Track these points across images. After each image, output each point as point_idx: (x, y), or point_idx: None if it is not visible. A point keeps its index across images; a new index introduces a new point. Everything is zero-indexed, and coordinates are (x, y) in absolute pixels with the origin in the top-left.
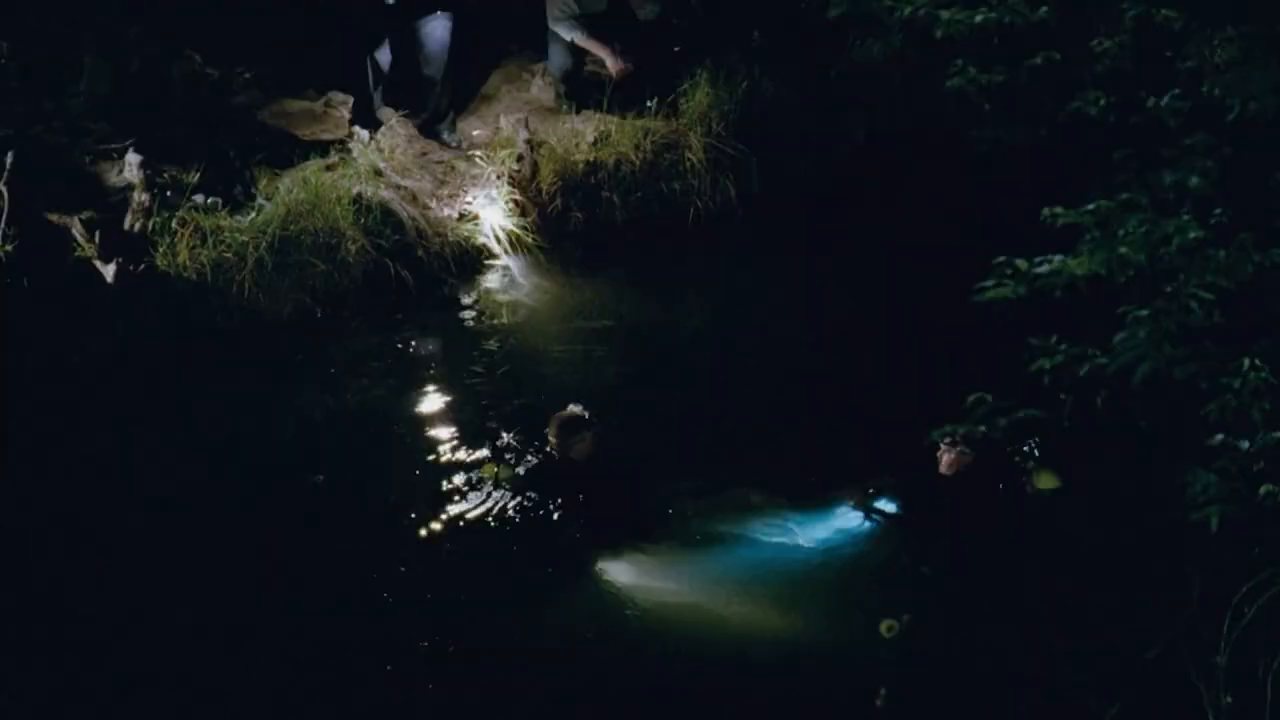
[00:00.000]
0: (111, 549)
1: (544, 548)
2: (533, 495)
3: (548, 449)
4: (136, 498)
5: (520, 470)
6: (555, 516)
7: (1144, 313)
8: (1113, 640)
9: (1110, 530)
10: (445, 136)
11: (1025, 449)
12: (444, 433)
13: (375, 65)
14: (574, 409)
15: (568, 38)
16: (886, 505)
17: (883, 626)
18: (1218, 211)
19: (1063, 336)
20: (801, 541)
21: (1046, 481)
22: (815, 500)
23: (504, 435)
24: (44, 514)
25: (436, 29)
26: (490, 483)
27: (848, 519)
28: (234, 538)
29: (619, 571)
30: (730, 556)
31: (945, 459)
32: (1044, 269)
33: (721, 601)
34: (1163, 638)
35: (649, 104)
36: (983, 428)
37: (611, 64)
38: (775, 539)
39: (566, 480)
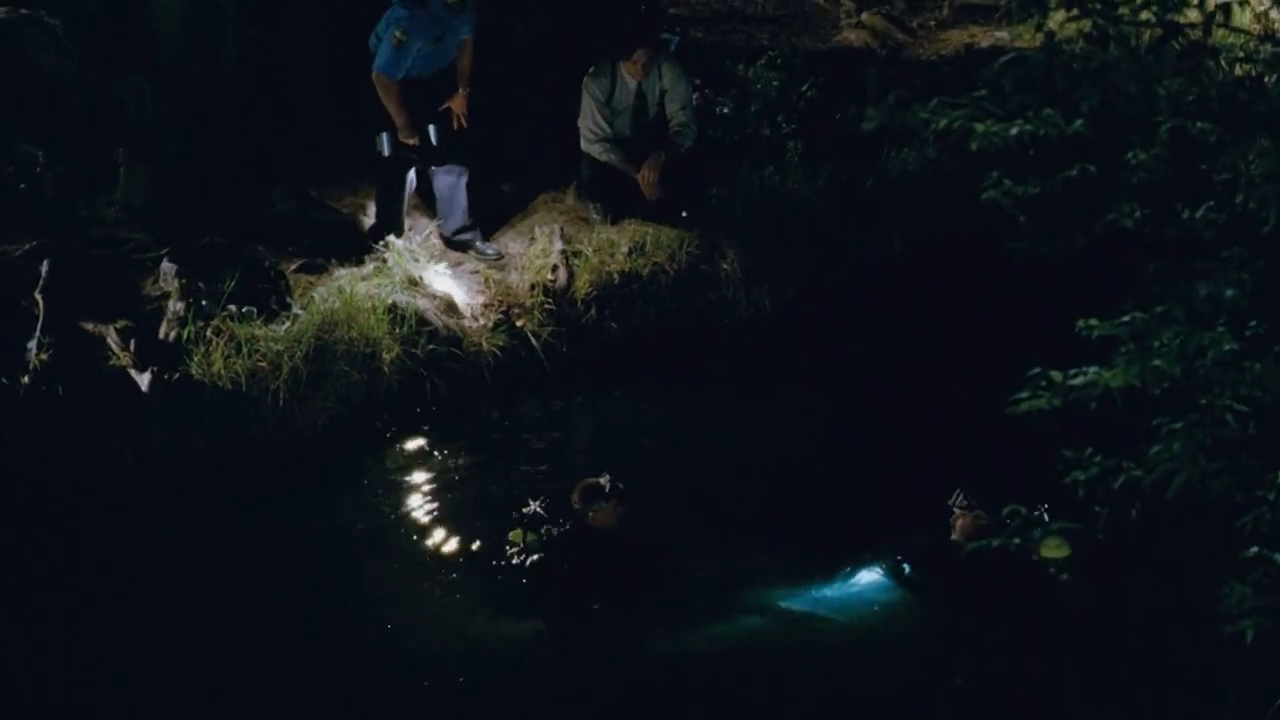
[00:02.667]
0: (140, 660)
1: (565, 612)
2: (556, 561)
3: (572, 516)
4: (166, 609)
5: (545, 536)
6: (577, 582)
7: (1179, 425)
8: None
9: (1145, 635)
10: (478, 245)
11: (1036, 513)
12: (474, 539)
13: (409, 180)
14: (599, 478)
15: (602, 159)
16: (905, 571)
17: None
18: (1253, 324)
19: (1097, 448)
20: (823, 610)
21: (1055, 550)
22: (836, 568)
23: (532, 504)
24: (71, 626)
25: (452, 186)
26: (517, 548)
27: (868, 585)
28: (267, 644)
29: (641, 636)
30: (753, 621)
31: (959, 524)
32: (1079, 381)
33: (747, 663)
34: None
35: (684, 214)
36: (1017, 540)
37: (645, 187)
38: (798, 606)
39: (589, 546)
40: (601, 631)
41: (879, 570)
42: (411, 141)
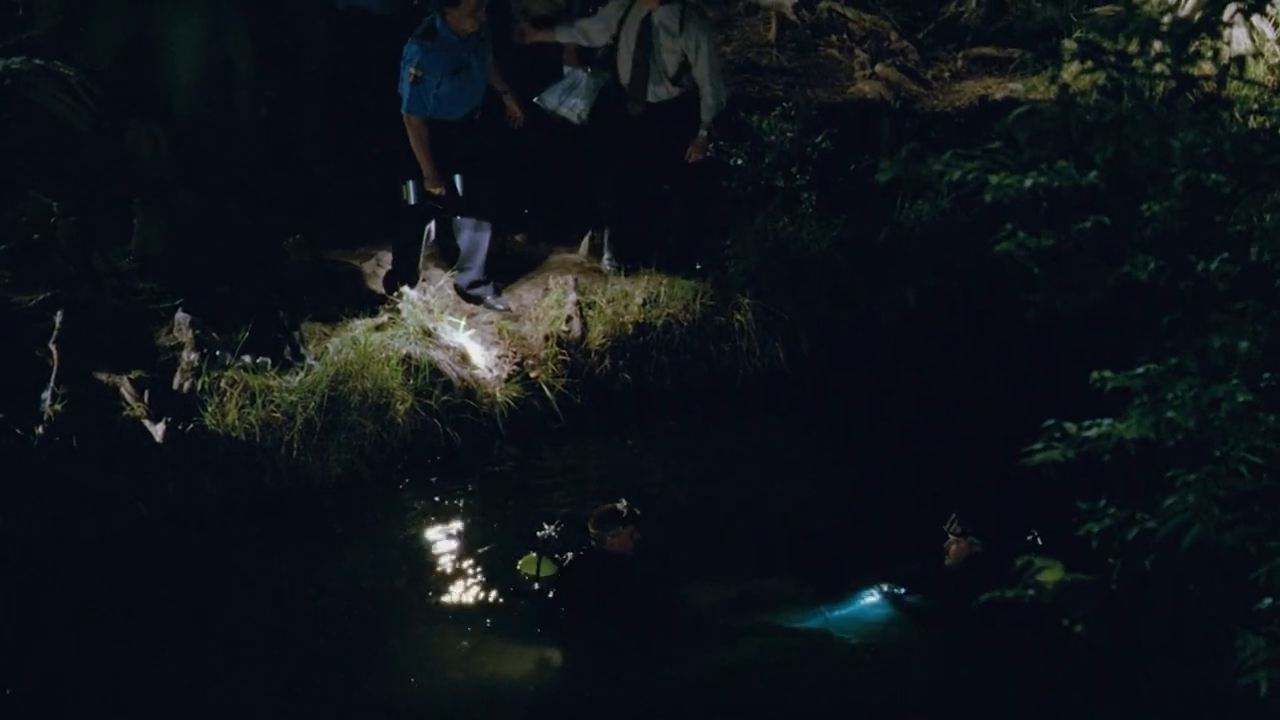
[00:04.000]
0: (154, 709)
1: (582, 637)
2: (572, 585)
3: (588, 541)
4: (180, 658)
5: (560, 562)
6: (593, 606)
7: (1193, 477)
8: None
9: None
10: (490, 299)
11: (1030, 537)
12: (487, 585)
13: (427, 231)
14: (614, 504)
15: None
16: (905, 594)
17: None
18: (1266, 376)
19: (1111, 500)
20: (832, 629)
21: (1050, 574)
22: (842, 593)
23: (548, 528)
24: (84, 673)
25: (474, 240)
26: (532, 574)
27: (872, 605)
28: (285, 689)
29: (655, 657)
30: (765, 640)
31: (952, 549)
32: (1093, 433)
33: (759, 680)
34: None
35: (698, 265)
36: (1031, 591)
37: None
38: (806, 625)
39: (604, 571)
40: (617, 654)
41: (883, 593)
42: (437, 191)
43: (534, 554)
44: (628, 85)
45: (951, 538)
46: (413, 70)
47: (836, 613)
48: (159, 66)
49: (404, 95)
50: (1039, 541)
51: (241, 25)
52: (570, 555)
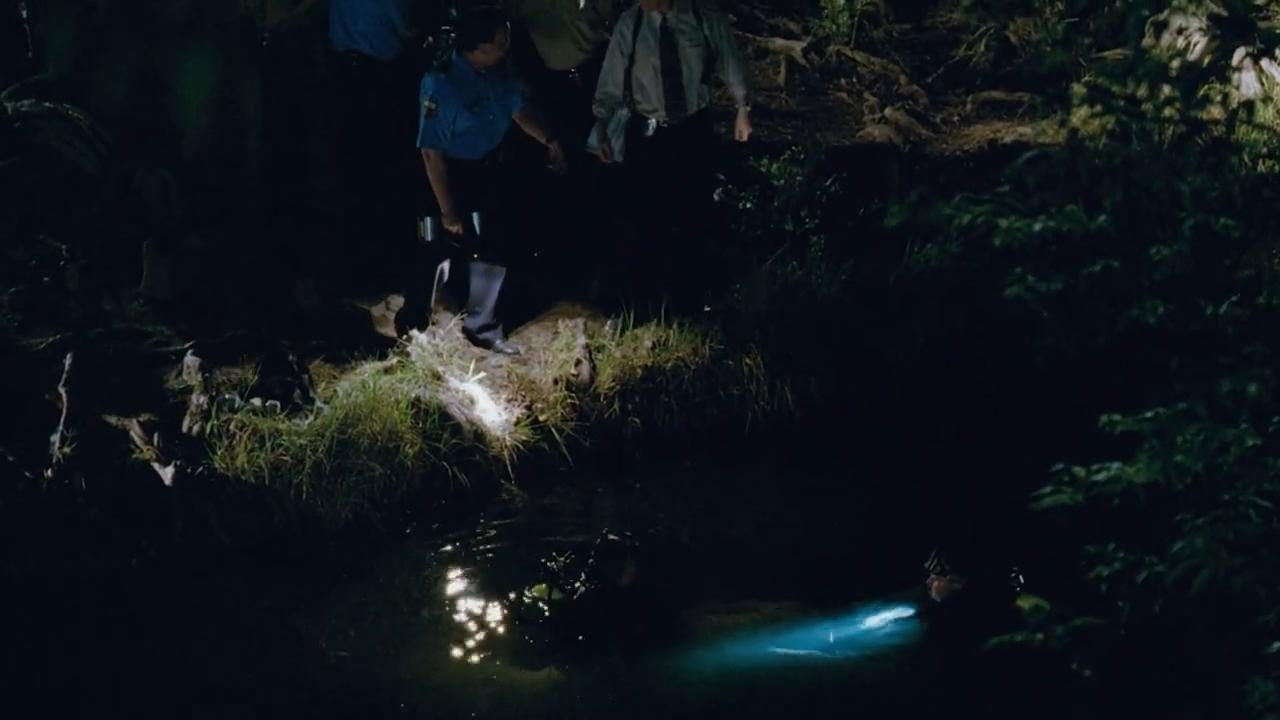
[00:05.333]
0: None
1: (585, 666)
2: (577, 617)
3: (594, 572)
4: (190, 701)
5: (567, 592)
6: (598, 638)
7: (1202, 521)
8: None
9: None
10: (499, 343)
11: (1012, 574)
12: (496, 628)
13: (440, 273)
14: (616, 537)
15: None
16: (905, 620)
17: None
18: (1275, 420)
19: (1120, 544)
20: (834, 651)
21: (1034, 599)
22: (843, 616)
23: (556, 558)
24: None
25: (486, 285)
26: (540, 604)
27: (876, 630)
28: None
29: (663, 681)
30: (770, 660)
31: (935, 585)
32: (1102, 476)
33: (766, 698)
34: None
35: (707, 309)
36: (1040, 635)
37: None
38: (810, 647)
39: (611, 601)
40: (622, 684)
41: (885, 618)
42: (455, 228)
43: (542, 585)
44: (661, 100)
45: (933, 575)
46: (427, 104)
47: (839, 635)
48: (169, 110)
49: (420, 129)
50: (1021, 579)
51: (251, 68)
52: (577, 586)
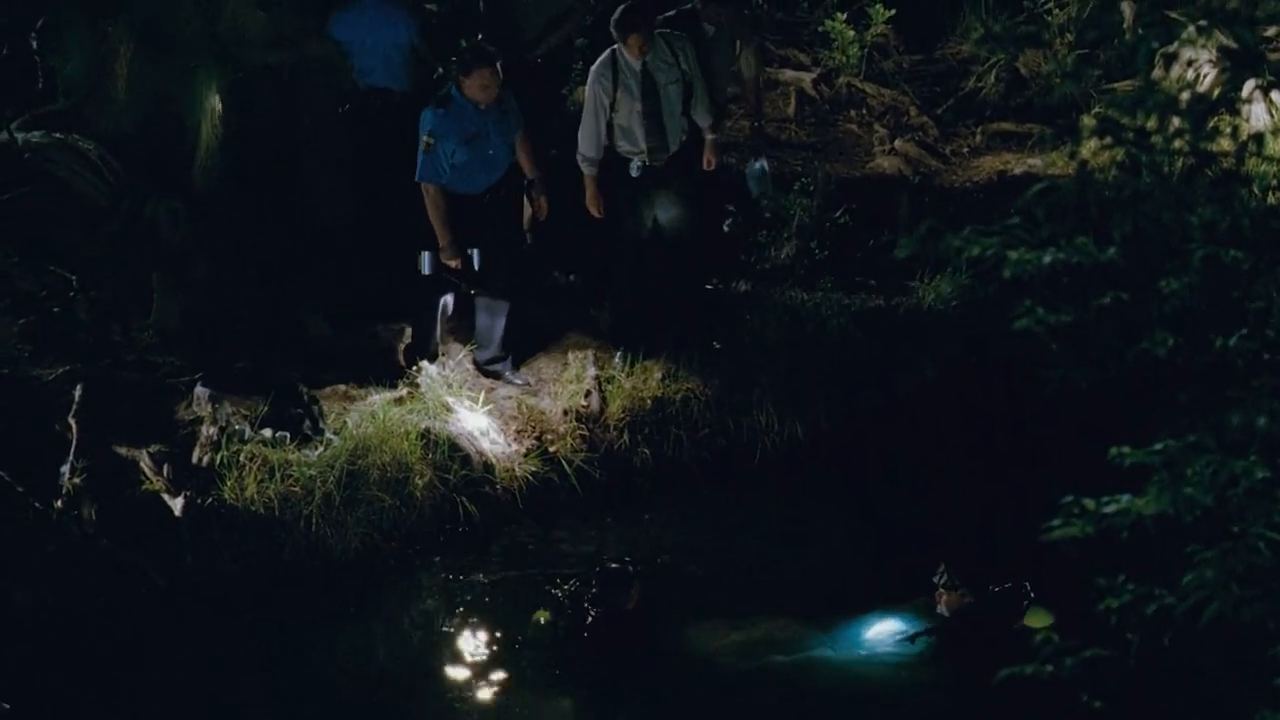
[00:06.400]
0: None
1: (590, 692)
2: (580, 643)
3: (597, 599)
4: None
5: (570, 618)
6: (601, 663)
7: (1211, 553)
8: None
9: None
10: (508, 374)
11: (1023, 588)
12: (504, 663)
13: (443, 305)
14: (617, 563)
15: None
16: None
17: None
18: None
19: (1130, 575)
20: (840, 653)
21: (1038, 619)
22: (844, 623)
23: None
24: None
25: (490, 321)
26: (544, 630)
27: (879, 635)
28: None
29: (663, 707)
30: (773, 681)
31: (944, 598)
32: (1111, 509)
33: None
34: None
35: (716, 345)
36: (1049, 667)
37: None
38: (815, 659)
39: (615, 627)
40: (626, 708)
41: (894, 624)
42: (453, 263)
43: (547, 610)
44: (645, 141)
45: (941, 589)
46: (425, 139)
47: (844, 642)
48: (180, 139)
49: (418, 163)
50: (1032, 596)
51: (265, 99)
52: (581, 612)
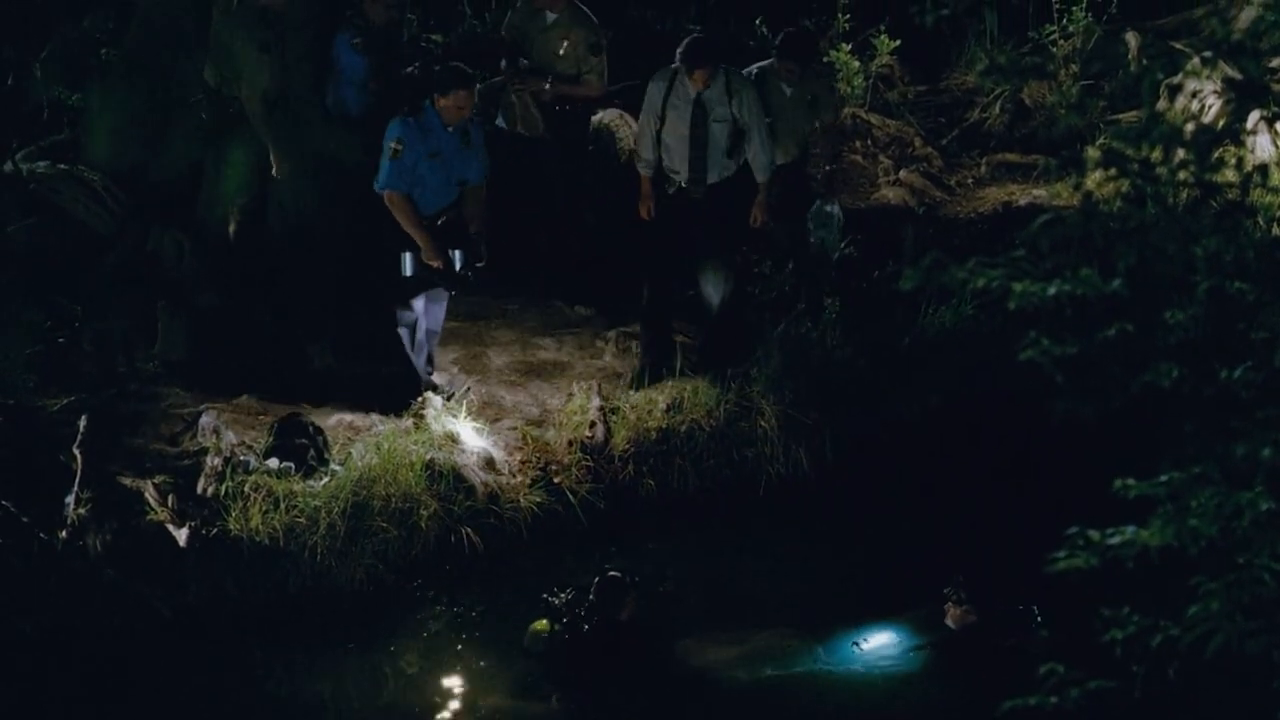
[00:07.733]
0: None
1: (587, 703)
2: (579, 653)
3: (594, 608)
4: None
5: (569, 628)
6: (598, 674)
7: (1216, 585)
8: None
9: None
10: (443, 386)
11: (1030, 613)
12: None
13: (410, 330)
14: (615, 573)
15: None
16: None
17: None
18: None
19: (1134, 606)
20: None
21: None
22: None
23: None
24: None
25: (432, 311)
26: (542, 640)
27: (878, 648)
28: None
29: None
30: (772, 691)
31: (952, 613)
32: (1117, 540)
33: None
34: None
35: (728, 371)
36: (1054, 699)
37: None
38: (813, 670)
39: (612, 637)
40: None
41: (898, 634)
42: (435, 264)
43: (545, 621)
44: (685, 170)
45: (950, 604)
46: (393, 145)
47: (844, 652)
48: (183, 170)
49: (382, 170)
50: (1038, 618)
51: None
52: (578, 622)
